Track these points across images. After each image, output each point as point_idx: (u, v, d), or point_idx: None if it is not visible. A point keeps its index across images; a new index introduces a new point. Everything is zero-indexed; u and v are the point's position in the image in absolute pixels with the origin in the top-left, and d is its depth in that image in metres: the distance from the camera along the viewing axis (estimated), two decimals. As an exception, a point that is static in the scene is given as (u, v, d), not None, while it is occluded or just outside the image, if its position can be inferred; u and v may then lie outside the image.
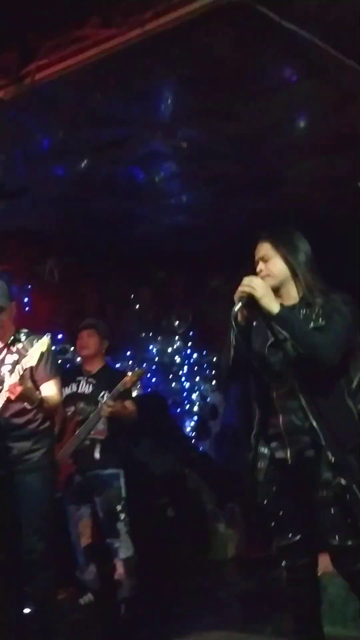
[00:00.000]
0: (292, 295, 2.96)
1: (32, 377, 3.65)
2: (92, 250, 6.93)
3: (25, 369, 3.46)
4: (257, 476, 3.02)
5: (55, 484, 4.15)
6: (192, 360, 8.16)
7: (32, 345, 3.45)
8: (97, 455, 4.70)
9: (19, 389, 3.45)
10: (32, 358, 3.42)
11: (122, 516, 4.66)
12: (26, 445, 3.77)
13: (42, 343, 3.42)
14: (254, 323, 2.99)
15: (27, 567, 3.75)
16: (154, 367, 7.69)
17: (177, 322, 8.03)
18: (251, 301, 2.84)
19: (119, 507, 4.67)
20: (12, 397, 3.49)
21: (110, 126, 4.43)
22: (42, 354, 3.44)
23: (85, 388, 4.85)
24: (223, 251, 6.95)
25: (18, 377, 3.45)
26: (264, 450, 3.01)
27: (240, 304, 2.85)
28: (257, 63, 3.68)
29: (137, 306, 7.66)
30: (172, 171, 5.25)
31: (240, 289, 2.85)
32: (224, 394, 7.96)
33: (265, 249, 2.99)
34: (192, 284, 8.08)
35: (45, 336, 3.47)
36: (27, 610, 3.86)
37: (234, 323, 2.88)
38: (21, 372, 3.46)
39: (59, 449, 4.39)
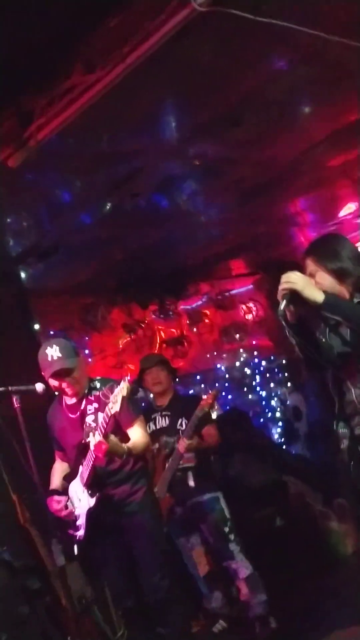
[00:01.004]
0: (348, 296, 2.97)
1: (116, 422, 3.66)
2: (138, 286, 6.99)
3: (110, 416, 3.47)
4: (343, 458, 2.99)
5: (161, 520, 4.16)
6: (262, 368, 8.11)
7: (112, 391, 3.45)
8: (191, 483, 4.70)
9: (104, 447, 3.46)
10: (115, 404, 3.41)
11: (232, 537, 4.64)
12: (126, 489, 3.80)
13: (123, 387, 3.41)
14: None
15: (156, 607, 3.77)
16: (226, 384, 7.67)
17: (237, 335, 8.01)
18: (295, 296, 2.83)
19: (226, 529, 4.65)
20: (100, 456, 3.51)
21: (122, 161, 4.48)
22: (123, 398, 3.43)
23: (162, 422, 4.86)
24: (261, 251, 6.94)
25: (102, 433, 3.46)
26: (344, 430, 2.99)
27: (284, 302, 2.85)
28: (246, 62, 3.69)
29: (195, 329, 7.68)
30: (193, 189, 5.29)
31: (280, 287, 2.86)
32: (302, 392, 7.87)
33: (309, 265, 3.01)
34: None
35: (123, 380, 3.45)
36: (165, 651, 3.85)
37: (284, 322, 2.88)
38: (105, 426, 3.48)
39: (154, 485, 4.40)
